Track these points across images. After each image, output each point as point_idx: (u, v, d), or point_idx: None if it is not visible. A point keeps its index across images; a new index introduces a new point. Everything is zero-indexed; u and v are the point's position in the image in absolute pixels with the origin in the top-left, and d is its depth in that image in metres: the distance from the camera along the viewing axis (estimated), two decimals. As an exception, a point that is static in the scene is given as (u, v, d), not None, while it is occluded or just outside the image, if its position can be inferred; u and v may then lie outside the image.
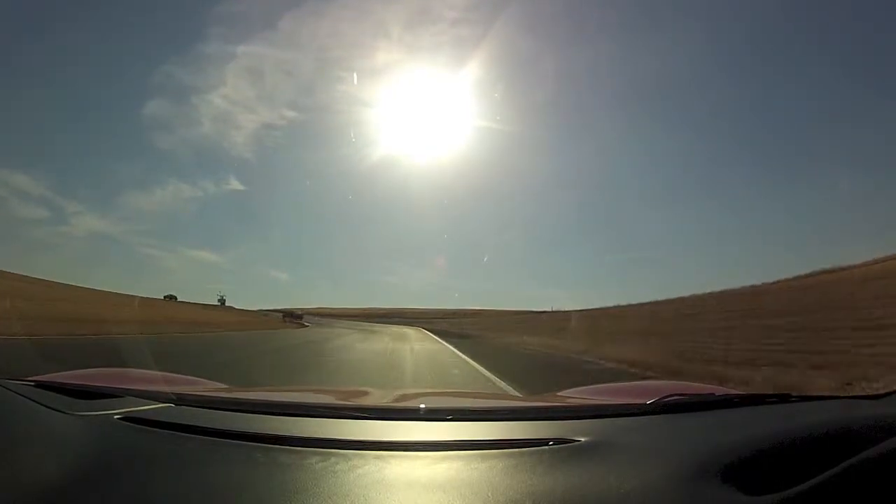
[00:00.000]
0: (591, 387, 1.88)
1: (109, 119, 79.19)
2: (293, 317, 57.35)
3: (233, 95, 72.35)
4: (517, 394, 5.67)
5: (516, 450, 0.98)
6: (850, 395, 1.27)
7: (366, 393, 1.88)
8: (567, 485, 0.86)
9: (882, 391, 1.27)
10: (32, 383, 1.20)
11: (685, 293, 35.07)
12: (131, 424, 1.04)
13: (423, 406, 1.43)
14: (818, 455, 0.83)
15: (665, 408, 1.20)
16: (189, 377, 1.85)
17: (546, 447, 0.97)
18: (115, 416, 1.06)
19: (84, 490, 0.80)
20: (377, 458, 0.94)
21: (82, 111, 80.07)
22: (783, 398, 1.27)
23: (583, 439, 0.99)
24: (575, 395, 1.78)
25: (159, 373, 1.83)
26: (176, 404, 1.19)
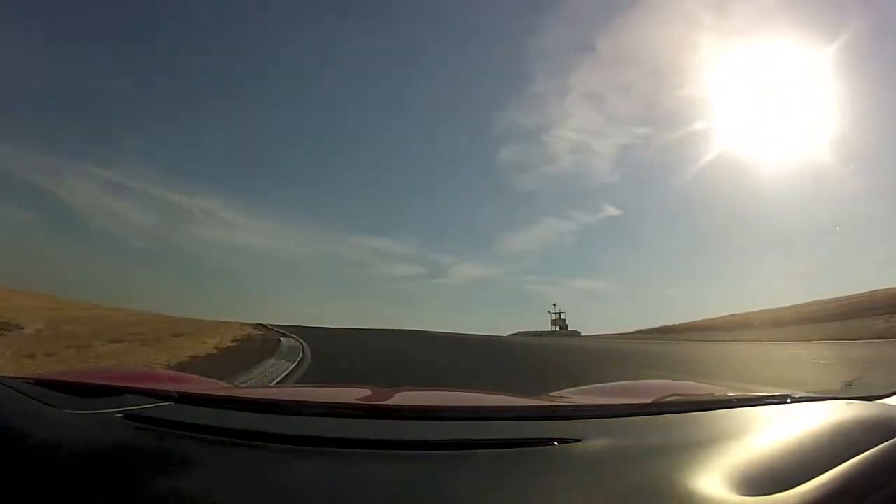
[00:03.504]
0: (592, 387, 1.89)
1: (468, 174, 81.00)
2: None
3: (580, 125, 69.68)
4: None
5: (516, 449, 0.98)
6: (850, 395, 1.27)
7: (368, 391, 1.88)
8: (567, 485, 0.86)
9: (882, 393, 1.27)
10: (32, 381, 1.20)
11: None
12: (132, 423, 1.04)
13: (424, 405, 1.43)
14: (817, 456, 0.83)
15: (665, 408, 1.20)
16: (191, 375, 1.85)
17: (546, 447, 0.98)
18: (116, 415, 1.07)
19: (84, 489, 0.80)
20: (378, 456, 0.94)
21: (437, 172, 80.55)
22: (782, 399, 1.27)
23: (583, 439, 0.99)
24: (575, 395, 1.79)
25: (161, 371, 1.83)
26: (177, 402, 1.19)
